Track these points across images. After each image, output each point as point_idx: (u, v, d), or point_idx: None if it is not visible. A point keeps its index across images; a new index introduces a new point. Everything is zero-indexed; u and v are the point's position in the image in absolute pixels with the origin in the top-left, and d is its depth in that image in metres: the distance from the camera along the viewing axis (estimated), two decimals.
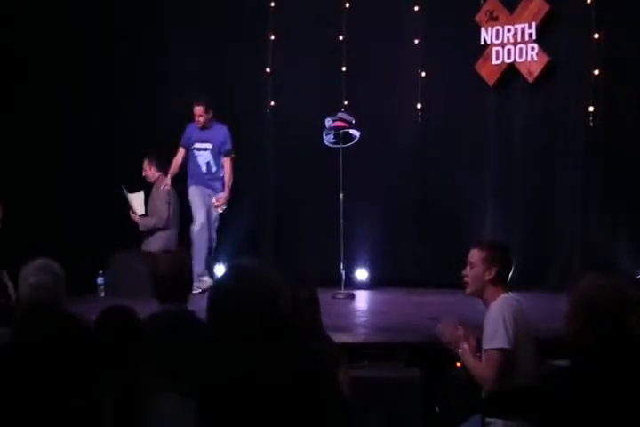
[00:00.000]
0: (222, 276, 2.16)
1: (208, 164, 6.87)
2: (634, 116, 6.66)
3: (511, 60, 7.02)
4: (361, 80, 7.35)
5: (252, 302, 1.94)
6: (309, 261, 7.05)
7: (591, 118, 6.68)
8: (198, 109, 6.78)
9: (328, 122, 6.83)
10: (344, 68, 7.30)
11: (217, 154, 6.86)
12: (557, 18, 6.92)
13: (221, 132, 6.87)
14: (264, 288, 2.00)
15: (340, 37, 7.36)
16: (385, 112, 7.30)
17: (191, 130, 6.91)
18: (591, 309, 2.38)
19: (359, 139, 6.80)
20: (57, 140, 7.05)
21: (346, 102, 7.33)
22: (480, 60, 7.15)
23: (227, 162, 6.87)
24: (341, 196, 6.72)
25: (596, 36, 6.65)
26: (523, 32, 6.97)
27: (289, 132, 7.47)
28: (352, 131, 6.79)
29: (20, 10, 7.00)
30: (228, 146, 6.87)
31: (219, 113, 7.08)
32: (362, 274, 7.29)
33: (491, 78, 7.13)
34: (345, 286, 6.68)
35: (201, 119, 6.80)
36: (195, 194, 6.84)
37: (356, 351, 4.25)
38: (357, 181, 7.05)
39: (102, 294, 6.78)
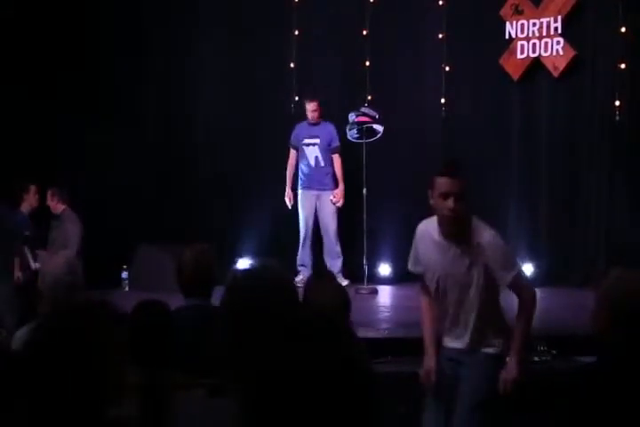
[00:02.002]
0: (238, 276, 2.17)
1: (316, 158, 6.95)
2: None
3: (536, 55, 6.97)
4: (385, 75, 7.32)
5: (268, 301, 1.95)
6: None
7: (617, 113, 6.61)
8: (313, 105, 6.89)
9: (351, 117, 6.82)
10: (368, 63, 7.27)
11: (325, 150, 6.95)
12: (583, 11, 6.85)
13: (329, 128, 6.98)
14: (280, 287, 2.01)
15: (364, 32, 7.33)
16: (409, 107, 7.28)
17: (299, 128, 7.04)
18: (618, 305, 2.34)
19: (382, 134, 6.79)
20: (90, 133, 7.10)
21: (369, 97, 7.31)
22: (505, 55, 7.10)
23: (336, 158, 6.96)
24: (365, 191, 6.71)
25: (623, 29, 6.57)
26: (548, 26, 6.91)
27: None
28: (375, 126, 6.78)
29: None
30: (337, 142, 6.96)
31: (243, 109, 7.12)
32: (385, 269, 7.28)
33: (515, 73, 7.08)
34: (368, 281, 6.68)
35: (315, 114, 6.91)
36: (301, 200, 6.95)
37: (379, 346, 4.25)
38: (381, 177, 7.04)
39: (126, 289, 6.82)
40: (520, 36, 7.05)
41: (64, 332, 1.69)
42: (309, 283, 2.99)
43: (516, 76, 7.09)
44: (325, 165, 6.94)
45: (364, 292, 6.49)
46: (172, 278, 3.31)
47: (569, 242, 6.91)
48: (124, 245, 6.89)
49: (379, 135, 6.79)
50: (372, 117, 6.77)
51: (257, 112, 7.49)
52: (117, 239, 7.02)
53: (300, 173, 7.01)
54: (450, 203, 3.14)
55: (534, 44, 6.98)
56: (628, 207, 6.62)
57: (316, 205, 6.94)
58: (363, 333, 3.85)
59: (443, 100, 7.24)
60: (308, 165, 6.96)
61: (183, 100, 7.57)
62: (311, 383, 1.44)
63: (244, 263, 6.93)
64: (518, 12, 7.05)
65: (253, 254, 7.03)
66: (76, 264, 3.38)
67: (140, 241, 6.94)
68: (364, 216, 6.68)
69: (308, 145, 6.97)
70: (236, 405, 1.65)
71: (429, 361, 3.38)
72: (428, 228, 3.31)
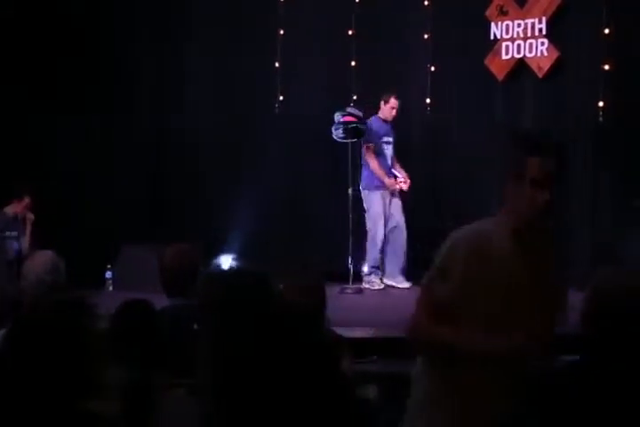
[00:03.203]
0: (215, 275, 2.18)
1: (392, 158, 6.95)
2: None
3: (521, 55, 7.00)
4: (370, 75, 7.34)
5: (244, 297, 1.96)
6: (318, 255, 7.05)
7: (601, 113, 6.66)
8: (397, 103, 6.84)
9: (337, 116, 6.83)
10: (353, 63, 7.30)
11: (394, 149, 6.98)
12: (568, 13, 6.88)
13: (395, 127, 6.99)
14: (255, 286, 2.02)
15: (350, 32, 7.35)
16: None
17: (377, 126, 6.89)
18: (606, 304, 2.33)
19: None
20: (64, 136, 7.08)
21: (355, 97, 7.33)
22: (490, 55, 7.13)
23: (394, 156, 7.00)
24: (350, 190, 6.72)
25: (607, 31, 6.62)
26: (533, 27, 6.95)
27: (298, 126, 7.47)
28: (361, 125, 6.78)
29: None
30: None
31: (228, 109, 7.10)
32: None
33: (500, 73, 7.12)
34: (353, 280, 6.69)
35: (396, 112, 6.87)
36: (376, 201, 6.80)
37: (364, 346, 4.25)
38: None
39: (110, 288, 6.80)
40: (505, 36, 7.09)
41: (42, 329, 1.69)
42: (284, 280, 2.98)
43: (500, 76, 7.12)
44: (395, 163, 6.96)
45: (349, 291, 6.51)
46: (157, 278, 3.30)
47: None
48: (109, 245, 6.86)
49: (364, 135, 6.80)
50: (358, 117, 6.78)
51: (242, 112, 7.50)
52: (102, 239, 7.00)
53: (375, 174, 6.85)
54: (546, 194, 2.28)
55: (519, 45, 7.02)
56: (611, 207, 6.66)
57: (388, 204, 6.86)
58: (348, 332, 3.84)
59: (428, 100, 7.27)
60: (386, 164, 6.87)
61: (169, 100, 7.58)
62: (281, 380, 1.45)
63: (225, 260, 6.94)
64: (503, 13, 7.08)
65: (238, 254, 7.02)
66: (59, 263, 3.35)
67: (124, 241, 6.92)
68: (350, 215, 6.69)
69: (387, 144, 6.91)
70: (208, 403, 1.65)
71: None
72: (489, 235, 2.34)
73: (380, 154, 6.87)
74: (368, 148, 6.82)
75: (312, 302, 2.99)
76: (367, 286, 6.80)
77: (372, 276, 6.85)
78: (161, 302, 3.15)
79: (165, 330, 2.75)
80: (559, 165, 2.33)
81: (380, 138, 6.87)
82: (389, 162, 6.90)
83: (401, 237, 6.81)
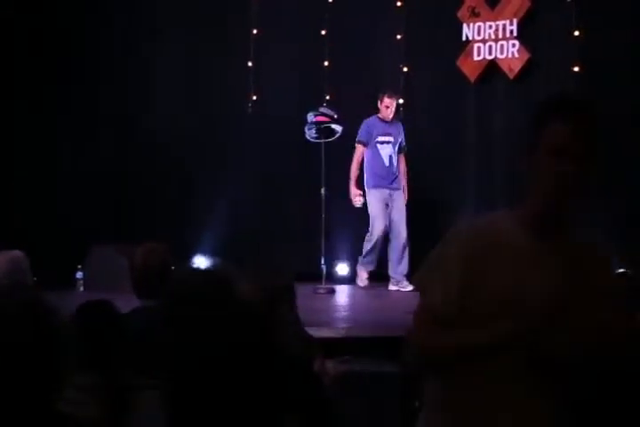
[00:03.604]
0: (183, 277, 2.18)
1: (390, 157, 6.80)
2: (612, 113, 6.72)
3: (492, 57, 7.08)
4: (343, 75, 7.37)
5: (211, 297, 1.96)
6: (291, 255, 7.06)
7: None
8: (391, 102, 6.76)
9: (310, 116, 6.84)
10: (326, 63, 7.32)
11: (397, 149, 6.86)
12: (538, 15, 6.98)
13: (400, 127, 6.91)
14: (222, 286, 2.04)
15: (323, 32, 7.37)
16: (367, 107, 7.32)
17: (371, 124, 6.83)
18: None
19: (341, 133, 6.82)
20: (43, 132, 7.01)
21: (328, 97, 7.34)
22: (462, 56, 7.19)
23: (402, 158, 6.92)
24: (323, 191, 6.73)
25: (576, 33, 6.71)
26: (504, 29, 7.02)
27: (271, 126, 7.47)
28: (334, 125, 6.80)
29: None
30: (404, 141, 6.92)
31: (201, 109, 7.07)
32: (343, 269, 7.31)
33: (472, 74, 7.18)
34: (326, 280, 6.70)
35: (392, 111, 6.80)
36: (374, 199, 6.72)
37: (336, 346, 4.26)
38: (339, 176, 7.07)
39: (81, 289, 6.76)
40: (477, 38, 7.15)
41: (1, 331, 1.68)
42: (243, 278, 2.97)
43: (472, 77, 7.19)
44: (397, 164, 6.85)
45: (321, 291, 6.53)
46: (128, 279, 3.28)
47: None
48: (79, 246, 6.82)
49: (337, 135, 6.81)
50: (331, 117, 6.80)
51: (215, 112, 7.48)
52: (72, 239, 6.95)
53: (369, 172, 6.81)
54: (567, 163, 1.72)
55: (490, 47, 7.09)
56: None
57: (388, 205, 6.77)
58: (320, 332, 3.86)
59: (401, 101, 7.31)
60: (382, 163, 6.78)
61: (141, 100, 7.53)
62: (236, 381, 1.46)
63: (199, 261, 6.93)
64: (475, 15, 7.14)
65: (210, 254, 7.02)
66: (22, 264, 3.31)
67: (95, 241, 6.88)
68: (323, 216, 6.70)
69: (383, 143, 6.82)
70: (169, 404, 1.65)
71: None
72: (499, 230, 1.83)
73: (373, 154, 6.82)
74: (355, 147, 6.84)
75: (276, 302, 3.00)
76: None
77: (362, 269, 6.80)
78: (133, 302, 3.13)
79: (136, 331, 2.71)
80: (585, 130, 1.77)
81: (374, 138, 6.82)
82: (387, 162, 6.80)
83: (397, 239, 6.72)
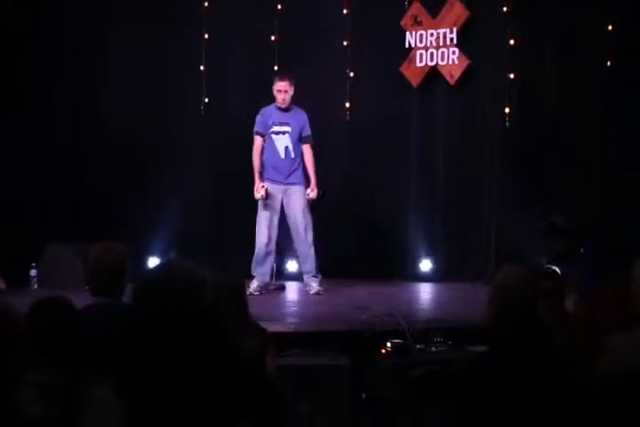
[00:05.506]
0: (151, 271, 2.25)
1: (286, 149, 6.22)
2: (545, 118, 7.12)
3: (434, 63, 7.36)
4: (292, 79, 7.56)
5: (178, 294, 2.06)
6: (241, 254, 7.21)
7: (507, 119, 7.09)
8: (283, 85, 6.11)
9: None
10: (276, 68, 7.50)
11: (296, 140, 6.24)
12: (476, 24, 7.27)
13: (302, 115, 6.26)
14: (189, 281, 2.14)
15: (272, 37, 7.57)
16: (314, 111, 7.50)
17: (268, 113, 6.25)
18: (505, 297, 2.57)
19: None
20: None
21: None
22: (405, 63, 7.47)
23: (307, 149, 6.27)
24: None
25: (512, 41, 7.06)
26: (445, 36, 7.31)
27: (223, 129, 7.63)
28: None
29: None
30: (308, 131, 6.28)
31: (157, 109, 7.15)
32: (292, 266, 7.52)
33: (415, 80, 7.47)
34: (276, 277, 6.89)
35: (286, 96, 6.13)
36: (262, 207, 6.21)
37: (286, 340, 4.37)
38: None
39: (35, 286, 6.76)
40: (419, 45, 7.43)
41: None
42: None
43: (415, 82, 7.48)
44: (295, 157, 6.24)
45: (272, 287, 6.71)
46: (81, 277, 3.29)
47: (463, 241, 7.37)
48: (33, 244, 6.85)
49: None
50: None
51: (170, 113, 7.60)
52: (26, 237, 6.98)
53: (265, 165, 6.27)
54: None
55: (432, 54, 7.37)
56: (519, 208, 6.98)
57: (282, 201, 6.26)
58: (271, 326, 3.94)
59: (347, 105, 7.58)
60: (277, 156, 6.22)
61: (97, 100, 7.56)
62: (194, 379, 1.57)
63: (153, 262, 7.03)
64: (417, 23, 7.43)
65: (168, 253, 7.14)
66: None
67: (49, 240, 6.93)
68: None
69: (278, 133, 6.23)
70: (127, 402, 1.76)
71: None
72: None
73: (269, 145, 6.25)
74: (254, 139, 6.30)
75: (233, 288, 3.15)
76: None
77: (255, 281, 6.34)
78: (86, 300, 3.13)
79: (89, 328, 2.66)
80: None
81: (269, 128, 6.23)
82: (283, 154, 6.22)
83: (297, 238, 6.34)
